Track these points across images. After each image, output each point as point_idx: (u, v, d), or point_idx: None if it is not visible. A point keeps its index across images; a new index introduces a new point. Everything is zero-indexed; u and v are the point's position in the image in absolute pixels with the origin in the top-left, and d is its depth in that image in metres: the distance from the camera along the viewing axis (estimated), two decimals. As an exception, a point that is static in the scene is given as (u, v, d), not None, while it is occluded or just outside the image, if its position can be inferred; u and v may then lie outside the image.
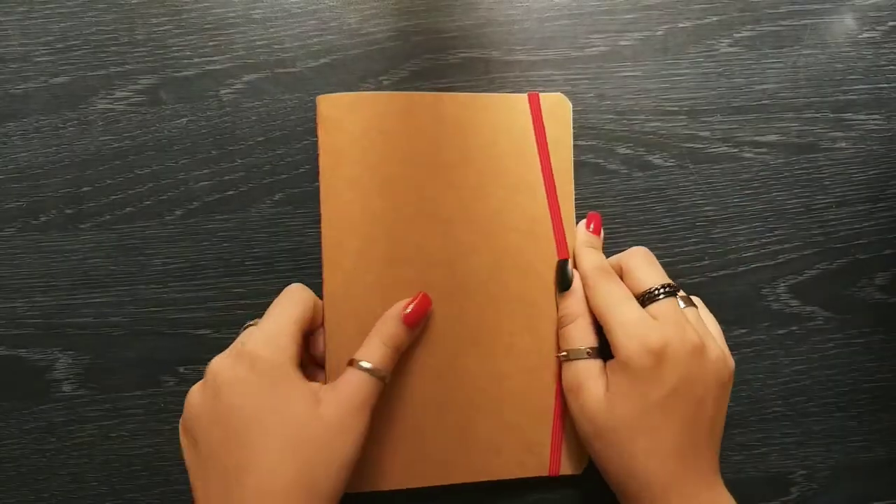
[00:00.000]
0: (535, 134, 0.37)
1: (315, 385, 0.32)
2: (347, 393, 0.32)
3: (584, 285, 0.36)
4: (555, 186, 0.37)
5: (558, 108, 0.38)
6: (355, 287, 0.36)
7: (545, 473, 0.36)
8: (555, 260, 0.37)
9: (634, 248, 0.37)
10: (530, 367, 0.37)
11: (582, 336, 0.35)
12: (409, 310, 0.34)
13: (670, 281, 0.35)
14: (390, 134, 0.36)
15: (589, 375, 0.34)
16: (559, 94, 0.38)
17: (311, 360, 0.36)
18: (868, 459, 0.39)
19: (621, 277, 0.36)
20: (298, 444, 0.30)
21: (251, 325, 0.34)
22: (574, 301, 0.36)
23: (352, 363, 0.33)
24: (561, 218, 0.37)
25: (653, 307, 0.34)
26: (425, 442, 0.36)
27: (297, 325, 0.33)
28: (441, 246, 0.36)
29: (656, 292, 0.34)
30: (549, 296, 0.37)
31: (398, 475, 0.35)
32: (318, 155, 0.36)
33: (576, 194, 0.40)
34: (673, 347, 0.32)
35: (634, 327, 0.33)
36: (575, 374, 0.34)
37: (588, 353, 0.35)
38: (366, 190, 0.36)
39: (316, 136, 0.36)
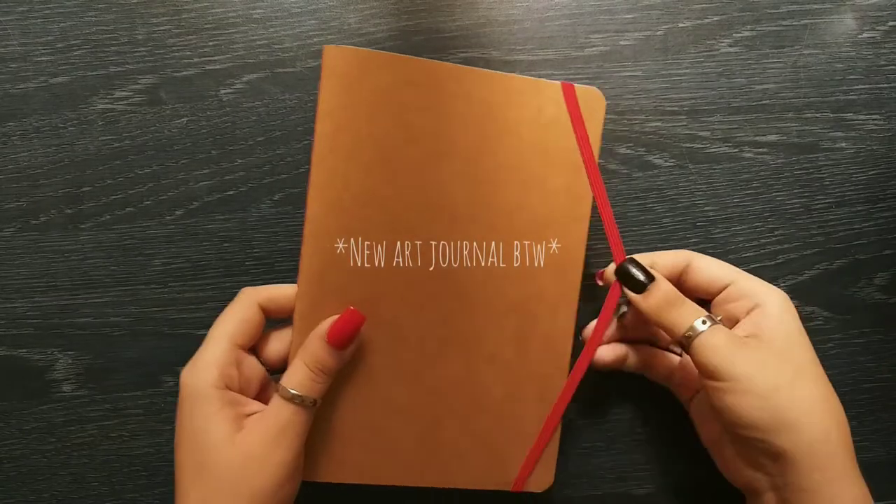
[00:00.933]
0: (575, 128, 0.34)
1: (249, 408, 0.31)
2: (269, 420, 0.30)
3: (688, 263, 0.35)
4: (602, 188, 0.35)
5: (595, 103, 0.34)
6: (336, 274, 0.32)
7: (508, 488, 0.35)
8: (571, 268, 0.35)
9: (776, 292, 0.34)
10: (512, 381, 0.35)
11: (689, 311, 0.32)
12: (330, 329, 0.31)
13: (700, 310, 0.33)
14: (404, 105, 0.32)
15: (731, 341, 0.31)
16: (594, 87, 0.34)
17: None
18: (868, 459, 0.39)
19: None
20: (207, 473, 0.29)
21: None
22: (668, 285, 0.33)
23: (278, 388, 0.31)
24: (613, 221, 0.35)
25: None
26: (390, 440, 0.34)
27: (229, 342, 0.31)
28: (441, 240, 0.33)
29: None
30: (551, 312, 0.35)
31: (356, 469, 0.34)
32: (315, 114, 0.32)
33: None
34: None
35: (766, 285, 0.34)
36: (715, 345, 0.31)
37: (710, 317, 0.32)
38: (366, 165, 0.32)
39: (318, 90, 0.32)
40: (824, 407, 0.30)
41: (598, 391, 0.40)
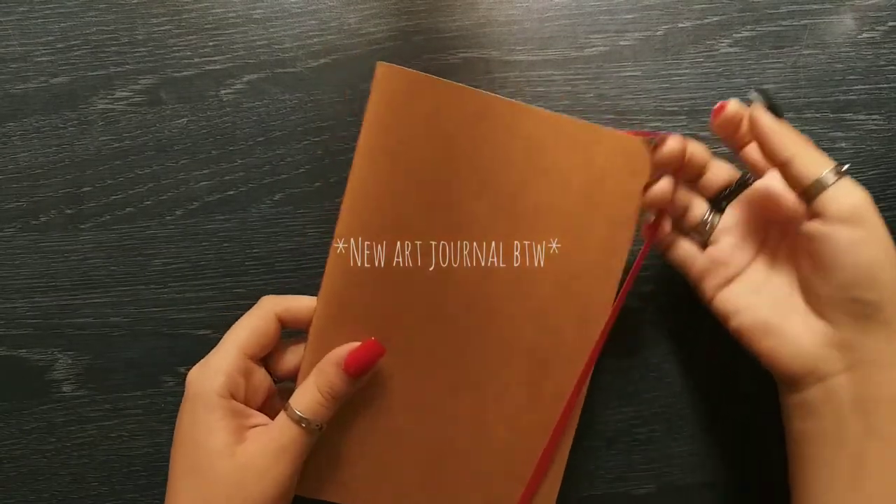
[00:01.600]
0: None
1: (253, 420, 0.31)
2: (272, 437, 0.30)
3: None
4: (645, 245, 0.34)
5: (635, 155, 0.33)
6: (359, 296, 0.32)
7: None
8: (594, 324, 0.34)
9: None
10: (518, 426, 0.34)
11: (824, 157, 0.31)
12: (348, 357, 0.31)
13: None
14: (449, 135, 0.32)
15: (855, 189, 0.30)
16: (640, 139, 0.33)
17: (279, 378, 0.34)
18: (868, 459, 0.39)
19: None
20: (202, 479, 0.29)
21: None
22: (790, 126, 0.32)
23: (286, 408, 0.31)
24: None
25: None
26: (392, 468, 0.33)
27: (240, 352, 0.31)
28: (466, 276, 0.33)
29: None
30: (562, 356, 0.34)
31: (355, 492, 0.33)
32: (361, 124, 0.31)
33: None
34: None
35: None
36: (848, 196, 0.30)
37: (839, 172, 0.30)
38: (401, 191, 0.32)
39: (368, 104, 0.31)
40: None
41: (598, 391, 0.40)
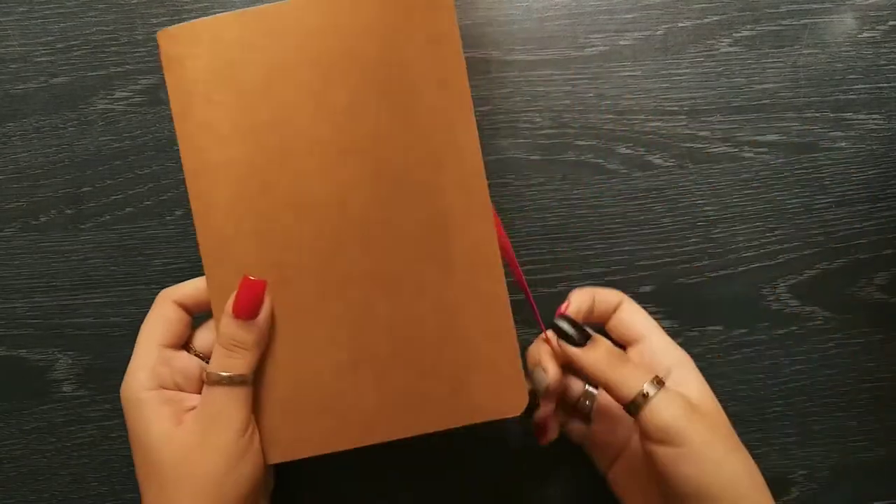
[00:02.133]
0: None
1: (188, 404, 0.31)
2: (201, 409, 0.30)
3: (618, 309, 0.35)
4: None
5: None
6: (234, 248, 0.32)
7: (478, 419, 0.32)
8: (462, 174, 0.32)
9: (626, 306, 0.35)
10: (445, 305, 0.32)
11: (640, 371, 0.31)
12: (234, 302, 0.31)
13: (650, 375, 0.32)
14: (239, 61, 0.31)
15: (681, 402, 0.31)
16: None
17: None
18: (868, 459, 0.39)
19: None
20: (153, 471, 0.30)
21: None
22: (604, 347, 0.32)
23: (205, 375, 0.31)
24: (513, 258, 0.33)
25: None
26: (342, 401, 0.32)
27: (153, 344, 0.31)
28: (322, 184, 0.32)
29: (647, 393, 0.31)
30: (456, 219, 0.32)
31: (319, 440, 0.32)
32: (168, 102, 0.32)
33: (576, 194, 0.40)
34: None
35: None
36: (669, 410, 0.30)
37: (658, 381, 0.31)
38: (222, 133, 0.32)
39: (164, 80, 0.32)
40: (757, 479, 0.30)
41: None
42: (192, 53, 0.31)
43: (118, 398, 0.31)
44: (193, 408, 0.31)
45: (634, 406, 0.30)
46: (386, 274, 0.32)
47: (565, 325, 0.33)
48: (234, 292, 0.31)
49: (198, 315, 0.33)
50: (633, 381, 0.31)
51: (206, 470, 0.29)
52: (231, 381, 0.30)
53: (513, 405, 0.32)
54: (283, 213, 0.32)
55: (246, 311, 0.31)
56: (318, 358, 0.32)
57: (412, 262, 0.32)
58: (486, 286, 0.32)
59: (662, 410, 0.30)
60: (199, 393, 0.32)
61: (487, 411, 0.32)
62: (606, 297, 0.35)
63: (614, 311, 0.35)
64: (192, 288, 0.33)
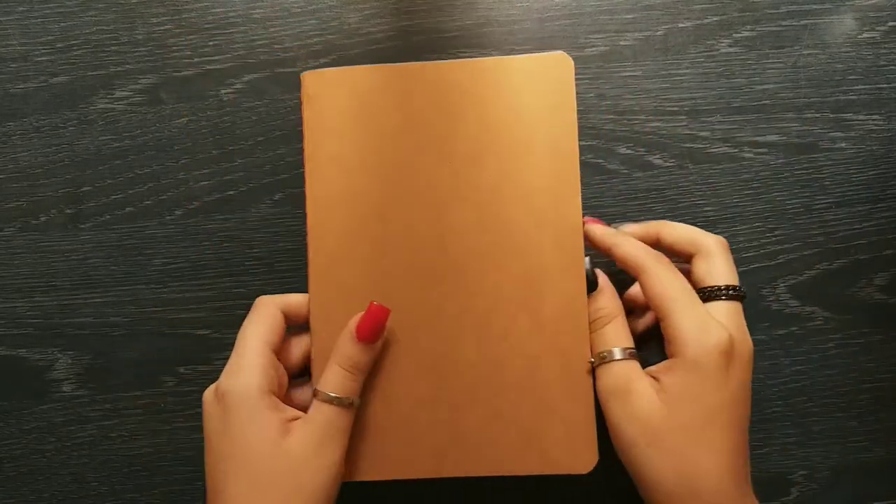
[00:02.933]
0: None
1: (289, 413, 0.31)
2: (314, 425, 0.31)
3: (640, 271, 0.32)
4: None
5: (558, 69, 0.35)
6: (341, 271, 0.34)
7: (548, 472, 0.34)
8: (561, 233, 0.34)
9: (712, 237, 0.34)
10: (529, 352, 0.34)
11: (621, 336, 0.33)
12: (358, 326, 0.32)
13: (737, 283, 0.33)
14: (375, 107, 0.35)
15: (636, 376, 0.32)
16: (560, 52, 0.35)
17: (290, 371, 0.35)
18: (868, 459, 0.39)
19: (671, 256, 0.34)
20: (261, 480, 0.29)
21: None
22: (607, 299, 0.34)
23: (316, 394, 0.32)
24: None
25: (714, 305, 0.32)
26: (420, 432, 0.34)
27: (266, 346, 0.32)
28: (432, 224, 0.34)
29: (721, 292, 0.32)
30: (551, 275, 0.34)
31: (393, 465, 0.34)
32: (302, 135, 0.35)
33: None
34: (739, 351, 0.31)
35: (705, 324, 0.31)
36: (619, 376, 0.32)
37: (630, 353, 0.32)
38: (350, 167, 0.35)
39: (301, 115, 0.35)
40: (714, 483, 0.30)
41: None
42: (331, 94, 0.35)
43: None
44: (293, 419, 0.31)
45: (595, 364, 0.33)
46: (476, 317, 0.34)
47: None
48: (359, 315, 0.32)
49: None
50: (606, 343, 0.33)
51: (316, 485, 0.30)
52: (342, 403, 0.31)
53: (583, 463, 0.34)
54: (391, 245, 0.34)
55: (369, 334, 0.32)
56: (402, 388, 0.34)
57: (503, 308, 0.34)
58: (571, 344, 0.34)
59: (608, 376, 0.32)
60: (284, 401, 0.32)
61: (558, 465, 0.34)
62: (637, 230, 0.35)
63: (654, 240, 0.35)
64: (294, 301, 0.34)
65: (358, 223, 0.34)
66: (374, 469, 0.34)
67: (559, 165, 0.34)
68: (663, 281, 0.32)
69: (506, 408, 0.34)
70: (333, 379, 0.32)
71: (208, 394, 0.32)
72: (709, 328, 0.30)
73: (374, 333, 0.32)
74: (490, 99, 0.35)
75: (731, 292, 0.32)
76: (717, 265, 0.33)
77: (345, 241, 0.34)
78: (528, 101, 0.35)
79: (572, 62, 0.35)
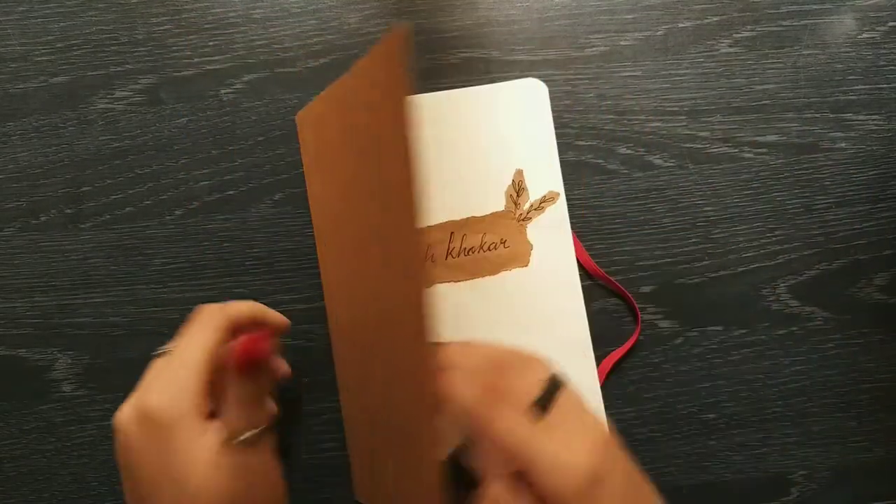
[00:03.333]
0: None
1: (218, 425, 0.29)
2: (243, 457, 0.29)
3: (471, 416, 0.27)
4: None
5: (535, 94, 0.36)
6: (324, 243, 0.38)
7: None
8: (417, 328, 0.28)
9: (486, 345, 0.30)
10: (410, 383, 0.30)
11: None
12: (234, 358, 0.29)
13: (548, 371, 0.28)
14: (327, 139, 0.35)
15: None
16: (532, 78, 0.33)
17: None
18: (868, 459, 0.39)
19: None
20: (194, 499, 0.27)
21: (162, 351, 0.31)
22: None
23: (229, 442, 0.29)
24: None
25: (552, 415, 0.27)
26: (375, 468, 0.35)
27: (208, 363, 0.29)
28: (356, 271, 0.34)
29: (546, 395, 0.27)
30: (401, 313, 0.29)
31: (368, 493, 0.37)
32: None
33: (576, 194, 0.40)
34: (598, 462, 0.26)
35: (558, 463, 0.26)
36: None
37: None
38: (316, 189, 0.38)
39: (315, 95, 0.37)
40: None
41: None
42: (307, 131, 0.38)
43: (118, 398, 0.31)
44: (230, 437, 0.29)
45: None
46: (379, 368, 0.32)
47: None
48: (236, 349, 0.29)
49: None
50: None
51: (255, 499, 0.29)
52: (248, 442, 0.29)
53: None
54: (334, 242, 0.37)
55: (246, 366, 0.29)
56: (352, 424, 0.38)
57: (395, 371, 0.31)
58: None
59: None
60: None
61: None
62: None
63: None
64: (241, 308, 0.32)
65: (328, 260, 0.38)
66: (363, 493, 0.37)
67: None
68: (501, 426, 0.26)
69: (413, 430, 0.30)
70: (234, 419, 0.29)
71: (126, 415, 0.29)
72: (565, 466, 0.26)
73: (248, 363, 0.29)
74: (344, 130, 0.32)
75: (549, 388, 0.28)
76: (518, 374, 0.28)
77: (323, 231, 0.38)
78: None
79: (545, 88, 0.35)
